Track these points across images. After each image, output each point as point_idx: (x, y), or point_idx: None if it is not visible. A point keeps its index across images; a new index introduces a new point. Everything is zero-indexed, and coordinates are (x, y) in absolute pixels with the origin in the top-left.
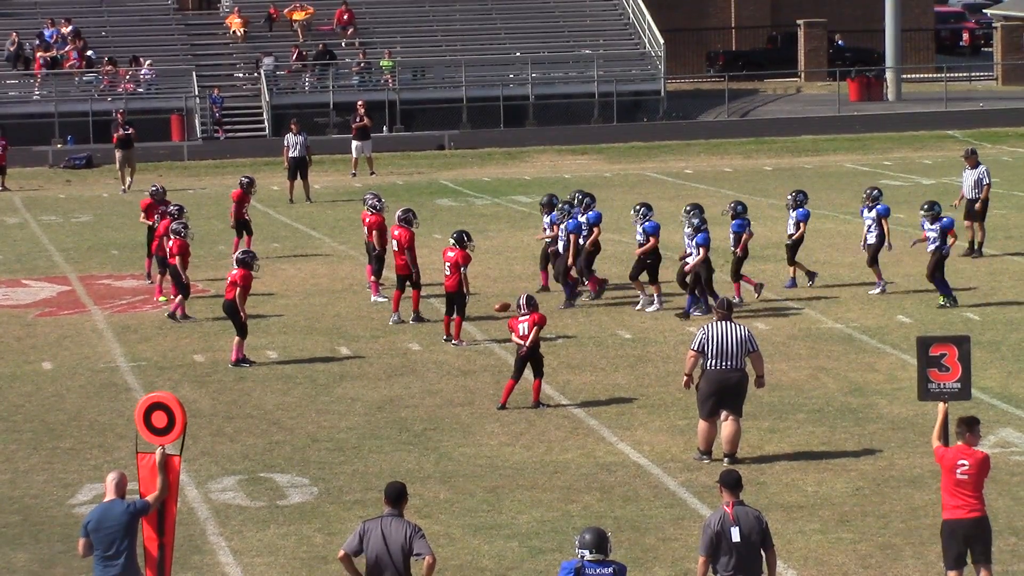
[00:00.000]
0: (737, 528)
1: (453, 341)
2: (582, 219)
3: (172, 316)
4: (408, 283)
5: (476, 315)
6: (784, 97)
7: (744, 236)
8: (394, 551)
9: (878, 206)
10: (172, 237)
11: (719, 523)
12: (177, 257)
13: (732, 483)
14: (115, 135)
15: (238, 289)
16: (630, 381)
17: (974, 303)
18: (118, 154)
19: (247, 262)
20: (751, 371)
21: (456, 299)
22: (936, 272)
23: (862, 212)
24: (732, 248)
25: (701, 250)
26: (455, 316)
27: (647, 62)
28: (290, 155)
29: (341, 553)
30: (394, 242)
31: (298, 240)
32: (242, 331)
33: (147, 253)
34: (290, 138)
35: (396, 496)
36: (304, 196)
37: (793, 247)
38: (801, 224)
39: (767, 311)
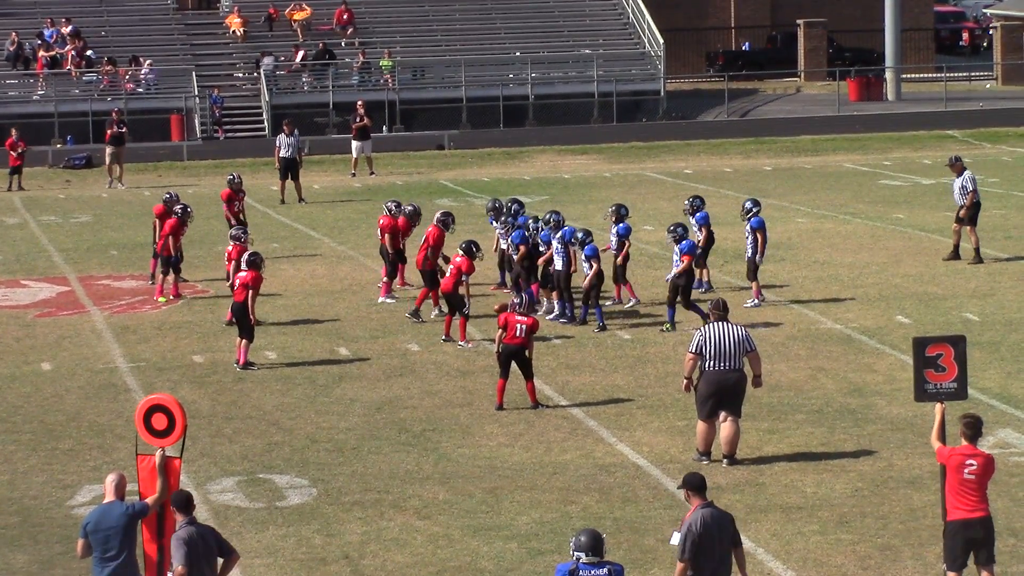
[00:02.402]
0: (716, 528)
1: (460, 343)
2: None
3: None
4: (431, 281)
5: (475, 314)
6: (784, 97)
7: (627, 241)
8: (208, 555)
9: (753, 219)
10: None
11: (701, 525)
12: (250, 290)
13: (701, 485)
14: (108, 131)
15: (249, 291)
16: (629, 382)
17: (974, 303)
18: (108, 150)
19: (256, 263)
20: (750, 371)
21: (451, 300)
22: (683, 297)
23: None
24: (614, 252)
25: (593, 263)
26: (458, 316)
27: (647, 62)
28: (281, 155)
29: (182, 570)
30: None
31: (297, 240)
32: (249, 334)
33: (152, 254)
34: (282, 139)
35: (186, 503)
36: (296, 196)
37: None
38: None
39: (766, 311)
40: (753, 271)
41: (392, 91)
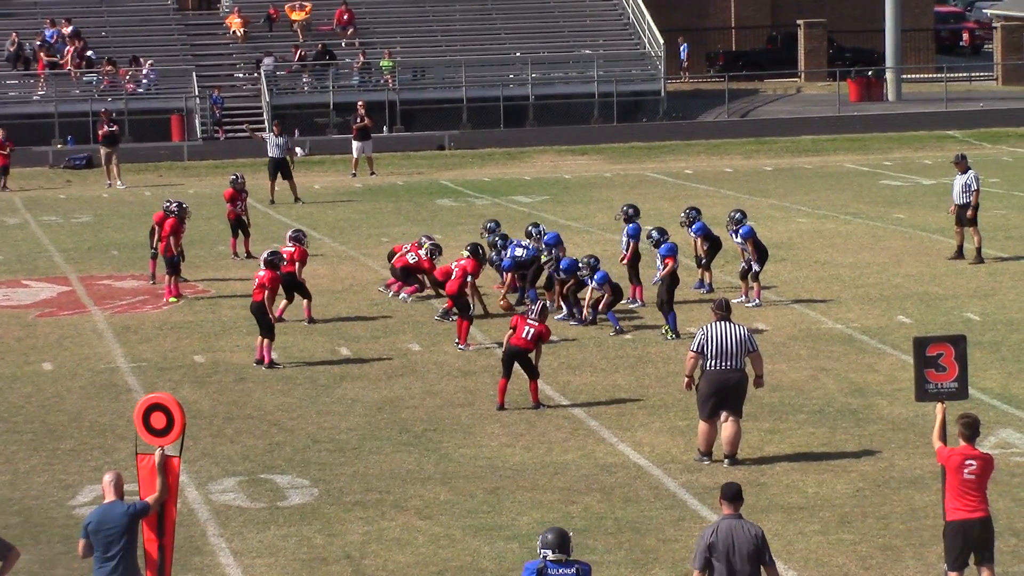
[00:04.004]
0: (732, 541)
1: (459, 345)
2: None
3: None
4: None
5: (475, 314)
6: (784, 97)
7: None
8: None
9: (742, 228)
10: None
11: (712, 534)
12: (267, 290)
13: (730, 496)
14: (100, 132)
15: (267, 291)
16: (630, 382)
17: (975, 303)
18: (103, 151)
19: (275, 264)
20: (751, 371)
21: (458, 301)
22: (668, 303)
23: (731, 236)
24: (624, 253)
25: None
26: (462, 320)
27: (647, 62)
28: (270, 155)
29: None
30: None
31: None
32: (269, 332)
33: (151, 255)
34: (271, 138)
35: None
36: (293, 197)
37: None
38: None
39: (767, 311)
40: (746, 273)
41: (392, 91)
